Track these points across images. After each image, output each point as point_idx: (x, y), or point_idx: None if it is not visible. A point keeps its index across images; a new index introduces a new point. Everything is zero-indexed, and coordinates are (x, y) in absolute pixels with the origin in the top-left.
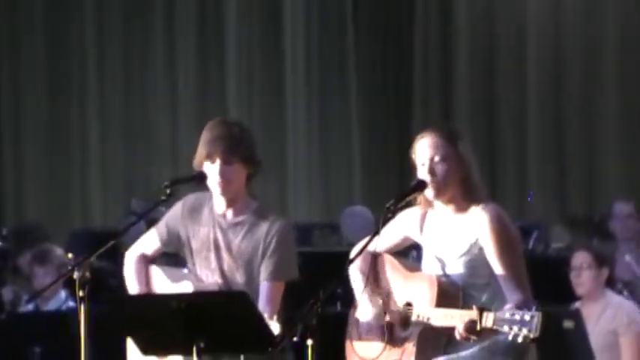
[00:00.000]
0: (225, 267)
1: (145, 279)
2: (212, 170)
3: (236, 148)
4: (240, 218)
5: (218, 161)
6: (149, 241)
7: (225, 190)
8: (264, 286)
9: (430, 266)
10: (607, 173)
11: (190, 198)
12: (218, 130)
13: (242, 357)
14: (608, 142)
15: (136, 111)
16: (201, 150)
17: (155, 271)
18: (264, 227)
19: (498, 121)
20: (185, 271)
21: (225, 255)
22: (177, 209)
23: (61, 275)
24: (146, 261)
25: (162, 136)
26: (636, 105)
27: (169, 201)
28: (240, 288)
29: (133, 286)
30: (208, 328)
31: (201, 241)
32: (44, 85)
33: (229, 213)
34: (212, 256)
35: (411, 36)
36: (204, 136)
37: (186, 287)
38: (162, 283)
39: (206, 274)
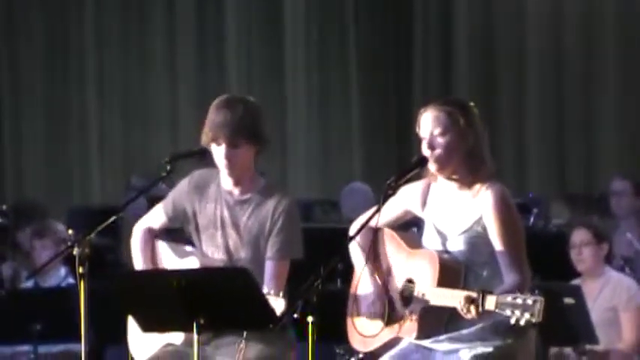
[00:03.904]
0: (231, 244)
1: (151, 253)
2: (218, 152)
3: (241, 131)
4: (247, 196)
5: (224, 145)
6: (156, 216)
7: (233, 170)
8: (270, 264)
9: (431, 240)
10: (606, 149)
11: (197, 174)
12: (223, 114)
13: (244, 333)
14: (607, 118)
15: (135, 87)
16: (207, 131)
17: (162, 246)
18: (270, 205)
19: (497, 98)
20: (190, 248)
21: (231, 232)
22: (183, 185)
23: (61, 252)
24: (152, 235)
25: (161, 112)
26: (636, 82)
27: (170, 177)
28: (245, 265)
29: (138, 260)
30: (208, 305)
31: (207, 218)
32: (42, 63)
33: (236, 190)
34: (218, 233)
35: (410, 14)
36: (210, 118)
37: (192, 263)
38: (169, 258)
39: (211, 250)
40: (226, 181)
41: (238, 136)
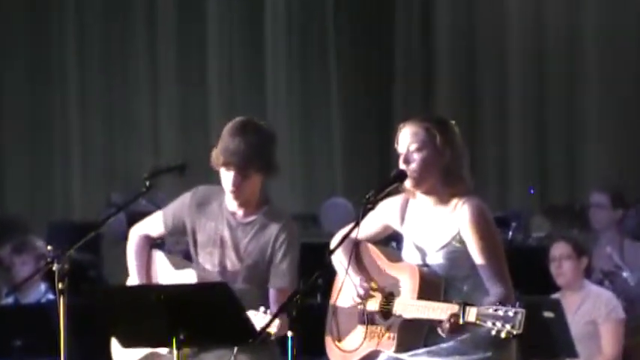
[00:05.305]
0: (229, 265)
1: (146, 261)
2: (227, 177)
3: (253, 162)
4: (250, 218)
5: (233, 172)
6: (154, 224)
7: (239, 196)
8: (273, 293)
9: (410, 256)
10: (588, 162)
11: (201, 190)
12: (237, 141)
13: (235, 348)
14: (589, 131)
15: (117, 101)
16: (219, 154)
17: (159, 257)
18: (273, 230)
19: (479, 108)
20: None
21: (231, 253)
22: (186, 199)
23: (41, 267)
24: (149, 242)
25: (143, 127)
26: (617, 94)
27: (150, 193)
28: (242, 287)
29: (132, 267)
30: (189, 320)
31: (207, 236)
32: (24, 78)
33: (240, 212)
34: (217, 252)
35: (392, 25)
36: (223, 141)
37: (189, 275)
38: (165, 270)
39: (208, 267)
40: (231, 202)
41: (249, 167)
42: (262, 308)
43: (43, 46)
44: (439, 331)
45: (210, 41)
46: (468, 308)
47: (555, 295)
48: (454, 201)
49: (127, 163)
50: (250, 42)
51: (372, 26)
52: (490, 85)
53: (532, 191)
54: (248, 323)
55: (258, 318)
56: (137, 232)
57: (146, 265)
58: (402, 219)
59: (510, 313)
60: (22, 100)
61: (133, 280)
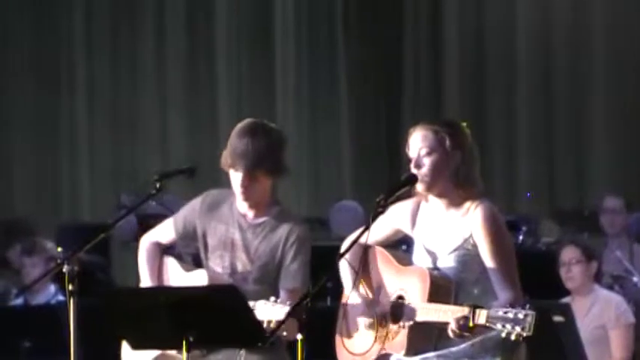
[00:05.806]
0: (240, 266)
1: (157, 267)
2: (235, 179)
3: (261, 164)
4: (261, 220)
5: (241, 174)
6: (165, 231)
7: (248, 198)
8: (284, 294)
9: (421, 259)
10: (596, 168)
11: (211, 194)
12: (244, 143)
13: (243, 351)
14: (597, 136)
15: (124, 102)
16: (227, 156)
17: (170, 262)
18: (283, 232)
19: (488, 116)
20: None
21: (241, 255)
22: (196, 204)
23: (51, 269)
24: (160, 249)
25: (151, 128)
26: (624, 101)
27: (159, 195)
28: (253, 288)
29: (144, 273)
30: (198, 323)
31: (217, 239)
32: (32, 80)
33: (250, 213)
34: (227, 255)
35: (401, 32)
36: (231, 143)
37: (201, 276)
38: (177, 273)
39: (218, 270)
40: (241, 204)
41: (257, 169)
42: (272, 298)
43: (51, 48)
44: (449, 332)
45: (218, 43)
46: (477, 311)
47: (565, 300)
48: (467, 204)
49: (135, 164)
50: (259, 44)
51: (380, 29)
52: (497, 90)
53: (529, 196)
54: (257, 326)
55: (268, 308)
56: (148, 239)
57: (157, 272)
58: (414, 223)
59: (520, 316)
60: (29, 102)
61: (146, 285)
